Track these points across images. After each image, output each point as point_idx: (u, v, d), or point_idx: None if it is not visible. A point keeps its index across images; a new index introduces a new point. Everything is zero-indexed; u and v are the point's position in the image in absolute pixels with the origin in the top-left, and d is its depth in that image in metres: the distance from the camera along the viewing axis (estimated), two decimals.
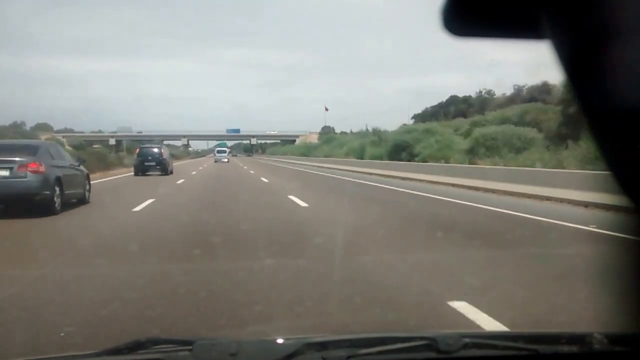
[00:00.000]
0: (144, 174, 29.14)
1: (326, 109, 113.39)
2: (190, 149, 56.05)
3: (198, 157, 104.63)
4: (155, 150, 31.24)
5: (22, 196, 10.83)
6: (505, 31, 0.77)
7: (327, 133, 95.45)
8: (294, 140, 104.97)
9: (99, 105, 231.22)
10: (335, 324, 4.06)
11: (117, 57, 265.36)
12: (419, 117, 63.96)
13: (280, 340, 1.64)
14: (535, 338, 1.73)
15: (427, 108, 68.07)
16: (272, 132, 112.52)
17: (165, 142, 73.60)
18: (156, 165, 29.91)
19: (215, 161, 63.29)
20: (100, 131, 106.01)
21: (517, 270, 5.96)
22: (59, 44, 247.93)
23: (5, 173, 10.82)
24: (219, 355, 1.49)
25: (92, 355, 1.62)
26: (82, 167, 13.82)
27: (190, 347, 1.50)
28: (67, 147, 45.69)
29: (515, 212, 11.54)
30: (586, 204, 12.20)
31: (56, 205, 11.28)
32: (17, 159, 11.06)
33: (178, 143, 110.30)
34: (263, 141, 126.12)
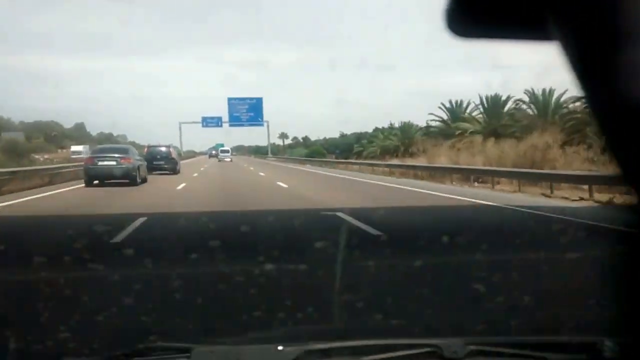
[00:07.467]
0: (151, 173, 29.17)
1: None
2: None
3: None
4: (164, 149, 32.65)
5: (122, 176, 20.75)
6: (512, 32, 0.75)
7: None
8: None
9: None
10: None
11: None
12: None
13: (280, 347, 1.61)
14: (543, 345, 1.69)
15: None
16: None
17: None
18: (165, 164, 30.94)
19: (219, 160, 60.18)
20: None
21: None
22: None
23: (114, 163, 20.88)
24: None
25: None
26: (144, 161, 23.85)
27: (188, 354, 1.51)
28: None
29: None
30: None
31: (138, 181, 21.25)
32: (118, 155, 21.20)
33: None
34: None
